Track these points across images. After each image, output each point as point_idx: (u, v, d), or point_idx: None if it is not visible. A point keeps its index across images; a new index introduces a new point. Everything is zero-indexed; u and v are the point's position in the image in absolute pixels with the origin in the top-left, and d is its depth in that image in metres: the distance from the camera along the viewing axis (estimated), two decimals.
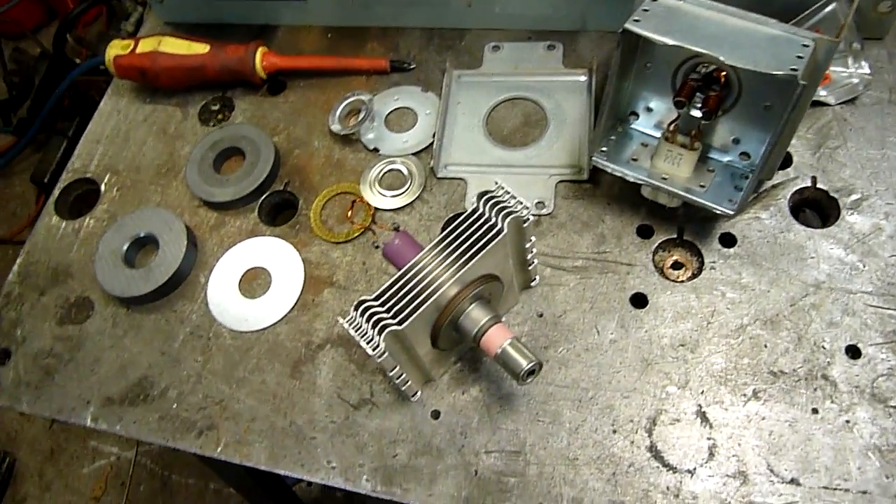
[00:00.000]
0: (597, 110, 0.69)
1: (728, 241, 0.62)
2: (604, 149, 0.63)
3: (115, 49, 0.77)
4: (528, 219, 0.52)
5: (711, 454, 0.53)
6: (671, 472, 0.53)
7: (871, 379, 0.54)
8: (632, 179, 0.60)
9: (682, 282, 0.61)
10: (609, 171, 0.61)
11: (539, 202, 0.66)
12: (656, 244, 0.63)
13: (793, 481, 0.51)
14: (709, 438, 0.54)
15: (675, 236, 0.63)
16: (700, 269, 0.61)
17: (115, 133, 0.81)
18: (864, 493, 0.50)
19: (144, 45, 0.77)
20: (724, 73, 0.57)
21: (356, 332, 0.49)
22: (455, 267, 0.50)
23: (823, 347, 0.56)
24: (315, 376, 0.61)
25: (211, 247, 0.71)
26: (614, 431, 0.55)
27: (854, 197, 0.62)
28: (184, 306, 0.67)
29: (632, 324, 0.59)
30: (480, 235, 0.51)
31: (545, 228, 0.65)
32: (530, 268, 0.59)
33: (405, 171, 0.70)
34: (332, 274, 0.66)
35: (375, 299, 0.50)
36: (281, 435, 0.59)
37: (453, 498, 0.54)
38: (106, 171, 0.78)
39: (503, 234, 0.50)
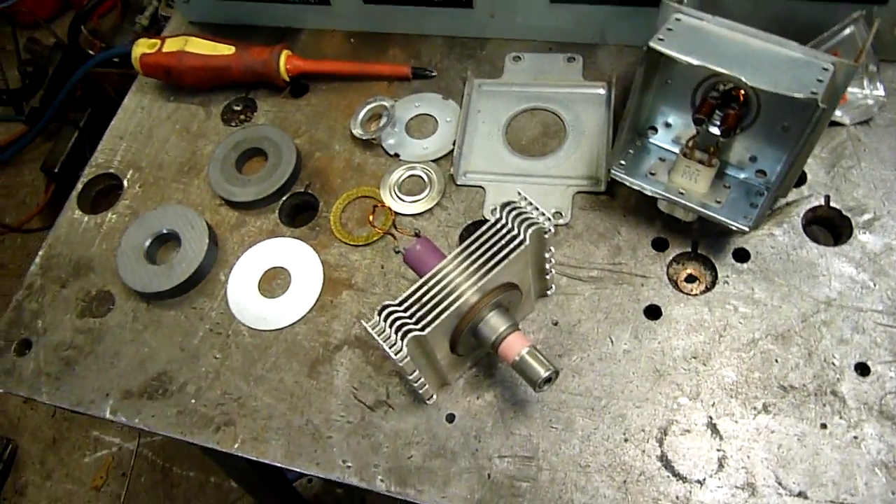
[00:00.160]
0: (615, 123, 0.70)
1: (742, 256, 0.63)
2: (622, 162, 0.64)
3: (142, 47, 0.78)
4: (550, 230, 0.53)
5: (721, 465, 0.54)
6: (681, 481, 0.54)
7: (880, 396, 0.55)
8: (650, 193, 0.62)
9: (696, 295, 0.62)
10: (627, 184, 0.62)
11: (556, 212, 0.67)
12: (671, 257, 0.64)
13: (800, 494, 0.52)
14: (718, 450, 0.55)
15: (689, 250, 0.64)
16: (713, 283, 0.62)
17: (139, 130, 0.82)
18: None
19: (171, 45, 0.78)
20: (742, 92, 0.58)
21: (379, 335, 0.50)
22: (477, 275, 0.51)
23: (833, 364, 0.57)
24: (332, 376, 0.63)
25: (231, 245, 0.72)
26: (626, 440, 0.56)
27: (867, 216, 0.63)
28: (204, 303, 0.69)
29: (645, 335, 0.60)
30: (503, 246, 0.52)
31: (562, 238, 0.66)
32: (548, 277, 0.60)
33: (425, 178, 0.72)
34: (350, 276, 0.68)
35: (399, 304, 0.51)
36: (297, 433, 0.60)
37: (466, 500, 0.55)
38: (129, 168, 0.79)
39: (525, 244, 0.51)
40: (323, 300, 0.67)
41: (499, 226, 0.53)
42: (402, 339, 0.49)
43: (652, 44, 0.54)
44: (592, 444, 0.56)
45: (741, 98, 0.58)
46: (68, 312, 0.70)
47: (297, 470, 0.59)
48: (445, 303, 0.50)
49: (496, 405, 0.59)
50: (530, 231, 0.52)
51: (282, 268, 0.69)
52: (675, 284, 0.63)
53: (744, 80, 0.51)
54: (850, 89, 0.67)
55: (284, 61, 0.78)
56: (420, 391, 0.56)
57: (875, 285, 0.60)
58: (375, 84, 0.80)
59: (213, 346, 0.66)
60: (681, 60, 0.53)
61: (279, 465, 0.59)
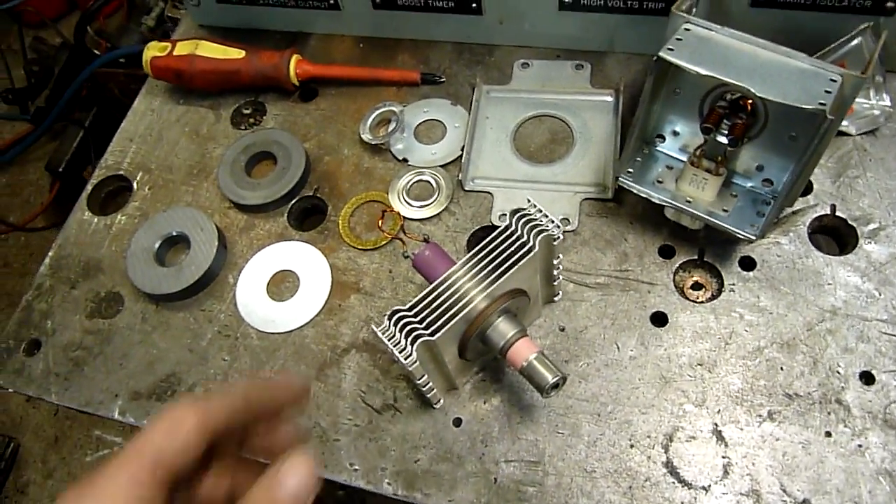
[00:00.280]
0: (623, 130, 0.71)
1: (748, 264, 0.63)
2: (630, 169, 0.65)
3: (153, 50, 0.79)
4: (559, 237, 0.53)
5: (726, 472, 0.55)
6: (686, 488, 0.54)
7: (884, 405, 0.56)
8: (657, 201, 0.62)
9: (702, 302, 0.62)
10: (635, 191, 0.63)
11: (564, 219, 0.67)
12: (677, 265, 0.64)
13: (805, 502, 0.53)
14: (724, 457, 0.55)
15: (695, 258, 0.64)
16: (720, 291, 0.62)
17: (149, 132, 0.83)
18: None
19: (181, 48, 0.78)
20: (750, 102, 0.58)
21: (389, 340, 0.51)
22: (487, 282, 0.52)
23: (838, 372, 0.57)
24: (340, 380, 0.63)
25: (240, 248, 0.72)
26: (631, 446, 0.57)
27: (872, 226, 0.64)
28: (212, 305, 0.69)
29: (651, 341, 0.61)
30: (512, 252, 0.52)
31: (569, 245, 0.67)
32: (555, 283, 0.60)
33: (433, 183, 0.72)
34: (358, 280, 0.68)
35: (409, 309, 0.51)
36: (305, 435, 0.60)
37: None
38: (138, 170, 0.80)
39: (535, 251, 0.52)
40: (331, 304, 0.67)
41: (508, 232, 0.54)
42: (411, 343, 0.50)
43: (662, 54, 0.54)
44: (598, 450, 0.57)
45: (749, 108, 0.58)
46: (77, 313, 0.71)
47: None
48: (455, 308, 0.51)
49: (503, 410, 0.59)
50: (540, 238, 0.52)
51: (290, 271, 0.69)
52: (682, 292, 0.63)
53: (752, 90, 0.52)
54: (856, 99, 0.68)
55: (294, 66, 0.78)
56: (428, 395, 0.56)
57: (880, 295, 0.60)
58: (384, 89, 0.80)
59: (222, 349, 0.66)
60: (690, 71, 0.53)
61: None
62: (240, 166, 0.75)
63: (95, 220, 0.77)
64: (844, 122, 0.68)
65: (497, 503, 0.56)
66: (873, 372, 0.57)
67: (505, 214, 0.68)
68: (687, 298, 0.63)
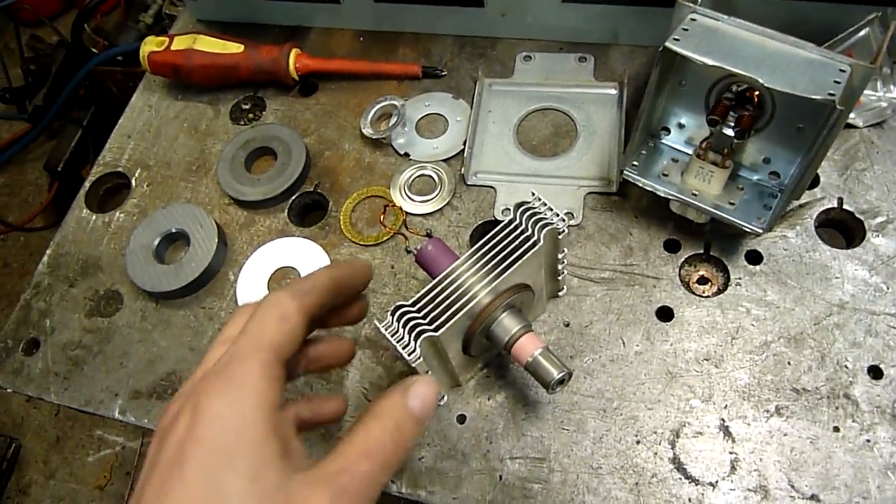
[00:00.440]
0: (627, 123, 0.70)
1: (754, 258, 0.63)
2: (635, 163, 0.64)
3: (150, 45, 0.78)
4: (564, 231, 0.52)
5: (733, 468, 0.54)
6: (693, 484, 0.54)
7: (893, 399, 0.55)
8: (662, 195, 0.61)
9: (708, 297, 0.61)
10: (640, 185, 0.62)
11: (568, 213, 0.67)
12: (683, 259, 0.63)
13: (813, 497, 0.52)
14: (731, 452, 0.55)
15: (701, 251, 0.64)
16: (726, 285, 0.62)
17: (147, 128, 0.82)
18: None
19: (179, 43, 0.77)
20: (757, 93, 0.57)
21: (392, 336, 0.50)
22: (491, 276, 0.51)
23: (846, 367, 0.57)
24: (343, 377, 0.62)
25: (240, 245, 0.71)
26: (638, 442, 0.56)
27: (879, 219, 0.63)
28: (213, 303, 0.68)
29: (657, 336, 0.60)
30: (517, 246, 0.51)
31: (573, 239, 0.66)
32: (560, 278, 0.60)
33: (435, 177, 0.71)
34: None
35: (412, 305, 0.50)
36: (307, 433, 0.60)
37: (478, 502, 0.55)
38: (137, 166, 0.79)
39: (539, 245, 0.51)
40: None
41: (512, 226, 0.53)
42: (415, 339, 0.49)
43: (668, 44, 0.53)
44: (604, 446, 0.56)
45: (756, 99, 0.58)
46: (76, 312, 0.70)
47: None
48: (459, 303, 0.50)
49: (507, 406, 0.59)
50: (544, 232, 0.51)
51: (291, 267, 0.69)
52: (688, 286, 0.62)
53: (760, 81, 0.51)
54: (863, 91, 0.67)
55: (294, 60, 0.78)
56: None
57: (888, 288, 0.60)
58: (385, 83, 0.80)
59: None
60: (697, 61, 0.53)
61: None
62: (239, 162, 0.75)
63: (94, 217, 0.76)
64: (851, 115, 0.67)
65: (502, 500, 0.55)
66: (881, 366, 0.56)
67: (508, 209, 0.67)
68: (693, 293, 0.62)
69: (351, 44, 0.84)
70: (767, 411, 0.56)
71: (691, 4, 0.56)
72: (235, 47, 0.77)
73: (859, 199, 0.64)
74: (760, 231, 0.58)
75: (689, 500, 0.53)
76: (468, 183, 0.71)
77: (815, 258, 0.62)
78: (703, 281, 0.62)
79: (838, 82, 0.50)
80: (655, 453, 0.55)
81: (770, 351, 0.58)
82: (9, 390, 0.67)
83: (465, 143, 0.72)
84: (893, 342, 0.57)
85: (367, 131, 0.74)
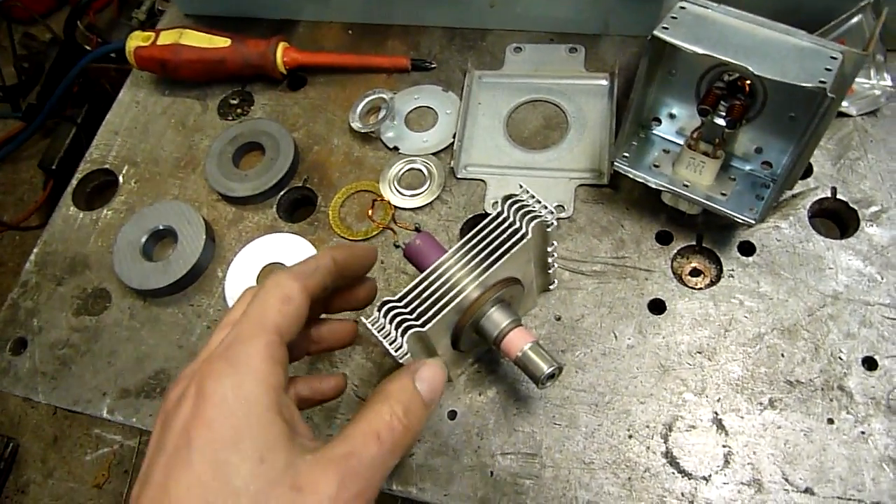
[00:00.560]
0: (618, 115, 0.69)
1: (747, 249, 0.62)
2: (625, 154, 0.63)
3: (136, 40, 0.77)
4: (553, 223, 0.52)
5: (727, 461, 0.53)
6: (686, 478, 0.53)
7: (887, 391, 0.54)
8: (654, 186, 0.61)
9: (701, 289, 0.61)
10: (631, 176, 0.61)
11: (559, 205, 0.66)
12: (675, 251, 0.63)
13: (807, 490, 0.52)
14: (724, 446, 0.54)
15: (694, 243, 0.63)
16: (718, 277, 0.61)
17: (134, 125, 0.81)
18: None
19: (165, 38, 0.77)
20: (748, 82, 0.57)
21: (379, 332, 0.49)
22: (479, 270, 0.50)
23: (840, 358, 0.56)
24: (333, 373, 0.62)
25: (229, 241, 0.71)
26: (630, 436, 0.55)
27: (873, 209, 0.62)
28: (201, 300, 0.68)
29: (649, 329, 0.59)
30: (505, 239, 0.51)
31: (564, 232, 0.65)
32: (550, 271, 0.59)
33: (425, 171, 0.71)
34: None
35: (399, 300, 0.50)
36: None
37: (469, 498, 0.55)
38: (124, 163, 0.78)
39: (528, 238, 0.50)
40: None
41: (500, 219, 0.52)
42: (402, 335, 0.48)
43: (657, 32, 0.52)
44: (596, 441, 0.55)
45: (747, 88, 0.57)
46: (64, 310, 0.70)
47: None
48: (446, 298, 0.49)
49: (498, 402, 0.58)
50: (532, 224, 0.51)
51: (280, 263, 0.68)
52: (680, 278, 0.62)
53: (751, 69, 0.50)
54: (857, 79, 0.66)
55: (281, 54, 0.77)
56: None
57: (882, 279, 0.59)
58: (374, 76, 0.79)
59: None
60: (686, 49, 0.52)
61: None
62: (227, 158, 0.74)
63: (81, 215, 0.76)
64: (844, 103, 0.66)
65: (494, 496, 0.54)
66: (876, 357, 0.56)
67: (498, 202, 0.66)
68: (685, 285, 0.61)
69: (339, 37, 0.83)
70: (761, 404, 0.55)
71: None
72: (222, 41, 0.77)
73: (853, 189, 0.63)
74: (753, 222, 0.58)
75: (682, 495, 0.53)
76: (458, 176, 0.70)
77: (808, 249, 0.61)
78: (695, 273, 0.62)
79: (829, 70, 0.49)
80: (648, 447, 0.55)
81: (763, 343, 0.58)
82: None
83: (454, 136, 0.71)
84: (888, 333, 0.57)
85: (356, 125, 0.73)
